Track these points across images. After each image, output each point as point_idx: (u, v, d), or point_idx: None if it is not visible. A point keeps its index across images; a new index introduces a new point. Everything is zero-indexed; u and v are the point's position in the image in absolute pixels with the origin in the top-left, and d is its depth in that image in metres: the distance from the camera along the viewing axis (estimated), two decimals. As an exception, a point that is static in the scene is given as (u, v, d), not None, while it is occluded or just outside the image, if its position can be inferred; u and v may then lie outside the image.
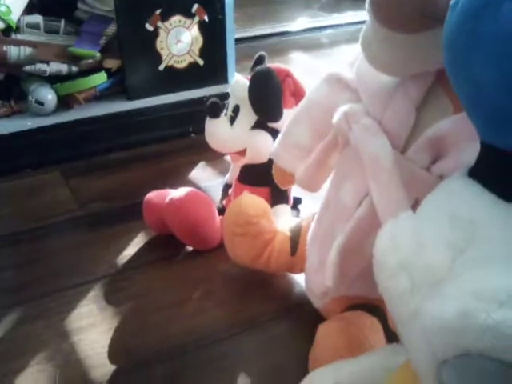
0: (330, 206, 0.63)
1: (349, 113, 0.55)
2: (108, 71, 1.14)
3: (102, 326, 0.70)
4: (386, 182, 0.51)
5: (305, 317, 0.69)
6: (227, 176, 0.91)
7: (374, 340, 0.57)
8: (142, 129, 1.15)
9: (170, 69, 1.17)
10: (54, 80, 1.11)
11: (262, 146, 0.79)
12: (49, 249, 0.86)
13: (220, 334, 0.68)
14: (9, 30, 1.09)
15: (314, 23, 1.89)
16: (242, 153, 0.82)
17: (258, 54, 0.83)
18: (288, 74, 0.79)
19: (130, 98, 1.15)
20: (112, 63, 1.14)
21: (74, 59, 1.11)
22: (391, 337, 0.57)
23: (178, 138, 1.17)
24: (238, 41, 1.30)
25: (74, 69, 1.12)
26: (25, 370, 0.64)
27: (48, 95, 1.09)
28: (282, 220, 0.76)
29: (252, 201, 0.72)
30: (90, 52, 1.11)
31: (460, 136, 0.49)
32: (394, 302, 0.39)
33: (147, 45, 1.13)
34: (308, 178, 0.64)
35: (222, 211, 0.80)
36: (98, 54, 1.11)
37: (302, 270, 0.70)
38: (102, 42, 1.13)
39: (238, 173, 0.85)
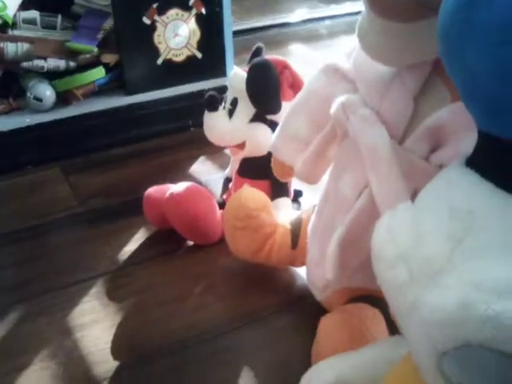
0: (330, 198, 0.62)
1: (346, 103, 0.55)
2: (106, 66, 1.13)
3: (104, 322, 0.70)
4: (384, 172, 0.51)
5: (307, 310, 0.69)
6: (227, 170, 0.91)
7: (376, 332, 0.57)
8: (142, 123, 1.15)
9: (168, 62, 1.16)
10: (52, 76, 1.11)
11: (261, 139, 0.79)
12: (50, 246, 0.86)
13: (222, 329, 0.68)
14: (5, 26, 1.08)
15: (312, 14, 1.88)
16: (241, 146, 0.82)
17: (255, 46, 0.83)
18: (286, 66, 0.78)
19: (129, 93, 1.15)
20: (110, 58, 1.14)
21: (71, 54, 1.11)
22: (394, 328, 0.57)
23: (178, 132, 1.17)
24: (235, 33, 1.29)
25: (72, 64, 1.11)
26: (28, 368, 0.64)
27: (46, 91, 1.08)
28: (283, 213, 0.76)
29: (252, 194, 0.72)
30: (88, 47, 1.10)
31: (459, 125, 0.49)
32: (393, 293, 0.39)
33: (145, 39, 1.12)
34: (307, 170, 0.64)
35: (222, 205, 0.80)
36: (96, 49, 1.11)
37: (303, 264, 0.70)
38: (100, 36, 1.12)
39: (237, 166, 0.84)
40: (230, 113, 0.81)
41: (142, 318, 0.71)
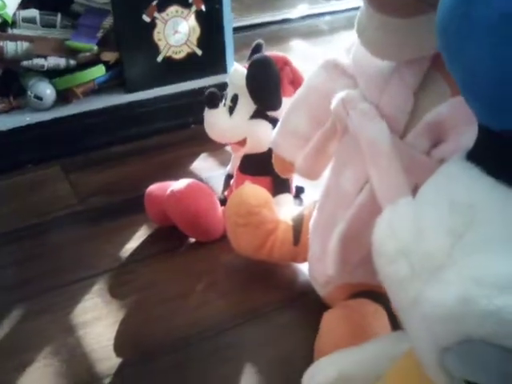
0: (331, 194, 0.62)
1: (346, 99, 0.55)
2: (106, 64, 1.13)
3: (107, 319, 0.70)
4: (385, 167, 0.51)
5: (309, 306, 0.69)
6: (229, 166, 0.91)
7: (377, 327, 0.57)
8: (142, 121, 1.15)
9: (168, 60, 1.16)
10: (52, 74, 1.11)
11: (262, 136, 0.79)
12: (51, 244, 0.86)
13: (224, 325, 0.68)
14: (4, 24, 1.08)
15: (312, 10, 1.87)
16: (242, 143, 0.82)
17: (255, 42, 0.83)
18: (286, 62, 0.78)
19: (129, 91, 1.15)
20: (110, 56, 1.13)
21: (71, 53, 1.11)
22: (396, 324, 0.57)
23: (179, 130, 1.17)
24: (236, 30, 1.29)
25: (72, 62, 1.11)
26: (31, 366, 0.64)
27: (46, 90, 1.08)
28: (285, 209, 0.76)
29: (253, 191, 0.72)
30: (88, 45, 1.10)
31: (459, 120, 0.48)
32: (394, 289, 0.39)
33: (144, 36, 1.12)
34: (307, 166, 0.64)
35: (224, 202, 0.80)
36: (96, 47, 1.10)
37: (305, 260, 0.70)
38: (99, 34, 1.12)
39: (238, 163, 0.84)
40: (231, 110, 0.80)
41: (145, 315, 0.71)
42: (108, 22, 1.12)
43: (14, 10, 1.08)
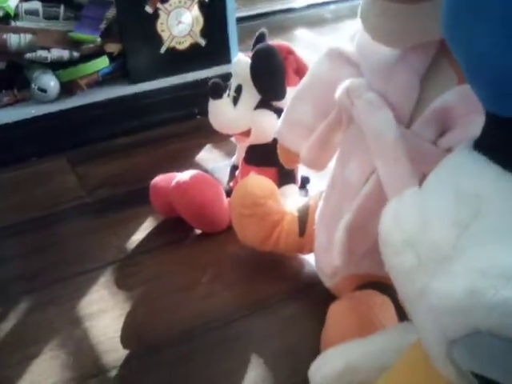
0: (337, 185, 0.62)
1: (350, 88, 0.54)
2: (110, 55, 1.13)
3: (113, 311, 0.70)
4: (391, 157, 0.50)
5: (315, 297, 0.69)
6: (234, 157, 0.90)
7: (384, 319, 0.57)
8: (147, 112, 1.15)
9: (171, 51, 1.15)
10: (55, 66, 1.10)
11: (267, 126, 0.78)
12: (58, 236, 0.86)
13: (230, 317, 0.68)
14: (7, 17, 1.08)
15: (316, -1, 1.86)
16: (247, 133, 0.81)
17: (258, 32, 0.82)
18: (290, 51, 0.77)
19: (133, 82, 1.14)
20: (113, 47, 1.13)
21: (74, 45, 1.10)
22: (403, 315, 0.56)
23: (184, 121, 1.16)
24: (239, 20, 1.28)
25: (76, 54, 1.11)
26: (38, 358, 0.64)
27: (50, 82, 1.08)
28: (290, 200, 0.76)
29: (258, 182, 0.72)
30: (91, 37, 1.10)
31: (466, 108, 0.48)
32: (401, 280, 0.38)
33: (148, 27, 1.12)
34: (312, 157, 0.63)
35: (229, 193, 0.80)
36: (99, 39, 1.10)
37: (311, 251, 0.69)
38: (103, 26, 1.12)
39: (244, 154, 0.84)
40: (235, 100, 0.80)
41: (151, 307, 0.71)
42: (111, 13, 1.12)
43: (17, 2, 1.08)
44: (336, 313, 0.59)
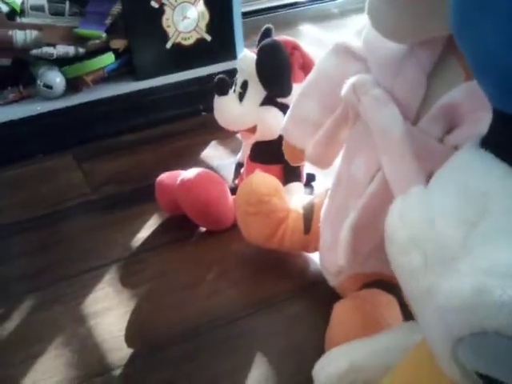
0: (342, 183, 0.61)
1: (357, 84, 0.53)
2: (115, 52, 1.12)
3: (118, 309, 0.70)
4: (397, 154, 0.50)
5: (320, 295, 0.68)
6: (239, 155, 0.90)
7: (390, 318, 0.56)
8: (152, 109, 1.14)
9: (177, 46, 1.15)
10: (61, 63, 1.10)
11: (273, 123, 0.78)
12: (63, 234, 0.86)
13: (235, 315, 0.68)
14: (13, 13, 1.08)
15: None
16: (253, 130, 0.81)
17: (264, 27, 0.81)
18: (295, 47, 0.77)
19: (139, 79, 1.14)
20: (119, 43, 1.13)
21: (80, 41, 1.10)
22: (408, 314, 0.56)
23: (189, 117, 1.16)
24: (245, 15, 1.27)
25: (81, 50, 1.10)
26: (42, 356, 0.64)
27: (56, 78, 1.08)
28: (295, 198, 0.75)
29: (263, 179, 0.71)
30: (96, 32, 1.09)
31: (473, 104, 0.47)
32: (407, 279, 0.38)
33: (153, 23, 1.11)
34: (318, 154, 0.62)
35: (234, 190, 0.79)
36: (104, 35, 1.10)
37: (316, 249, 0.69)
38: (108, 21, 1.11)
39: (249, 151, 0.83)
40: (241, 96, 0.79)
41: (155, 305, 0.70)
42: (116, 8, 1.11)
43: (22, -2, 1.08)
44: (341, 312, 0.58)
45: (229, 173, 0.91)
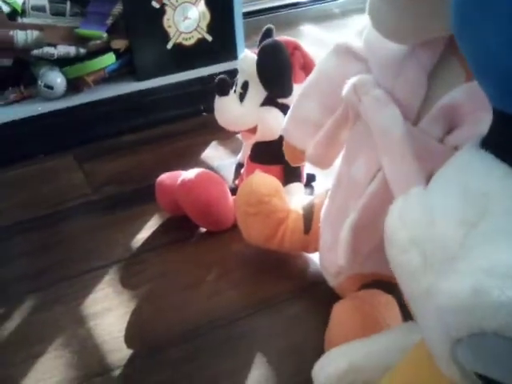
0: (343, 183, 0.61)
1: (358, 84, 0.53)
2: (116, 52, 1.12)
3: (118, 310, 0.70)
4: (398, 155, 0.50)
5: (320, 296, 0.68)
6: (239, 155, 0.90)
7: (389, 318, 0.56)
8: (153, 109, 1.14)
9: (178, 46, 1.15)
10: (62, 63, 1.10)
11: (273, 123, 0.78)
12: (64, 234, 0.86)
13: (235, 315, 0.68)
14: (14, 13, 1.08)
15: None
16: (253, 130, 0.81)
17: (265, 27, 0.81)
18: (296, 47, 0.77)
19: (140, 79, 1.14)
20: (120, 44, 1.13)
21: (81, 41, 1.10)
22: (407, 314, 0.56)
23: (190, 118, 1.16)
24: (246, 15, 1.27)
25: (82, 51, 1.10)
26: (42, 356, 0.64)
27: (57, 79, 1.08)
28: (295, 198, 0.75)
29: (263, 179, 0.71)
30: (97, 33, 1.09)
31: (474, 105, 0.47)
32: (406, 279, 0.38)
33: (154, 23, 1.11)
34: (318, 154, 0.62)
35: (234, 191, 0.79)
36: (105, 35, 1.10)
37: (316, 250, 0.69)
38: (109, 22, 1.11)
39: (249, 151, 0.83)
40: (241, 97, 0.79)
41: (156, 306, 0.70)
42: (117, 9, 1.11)
43: (24, -2, 1.08)
44: (340, 312, 0.58)
45: (229, 173, 0.91)
